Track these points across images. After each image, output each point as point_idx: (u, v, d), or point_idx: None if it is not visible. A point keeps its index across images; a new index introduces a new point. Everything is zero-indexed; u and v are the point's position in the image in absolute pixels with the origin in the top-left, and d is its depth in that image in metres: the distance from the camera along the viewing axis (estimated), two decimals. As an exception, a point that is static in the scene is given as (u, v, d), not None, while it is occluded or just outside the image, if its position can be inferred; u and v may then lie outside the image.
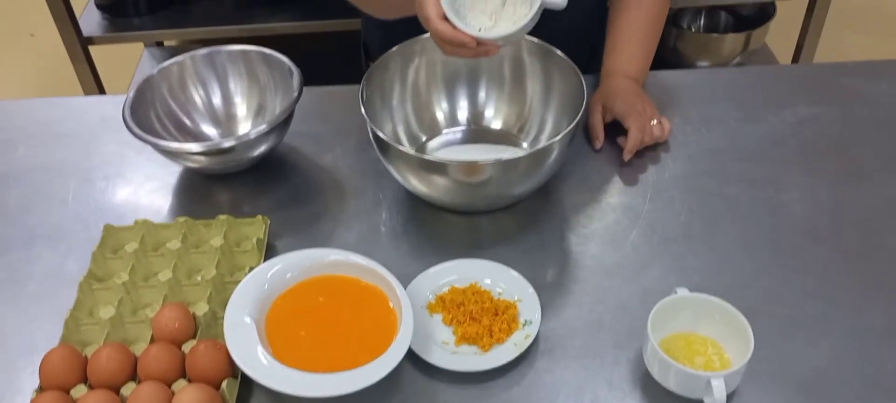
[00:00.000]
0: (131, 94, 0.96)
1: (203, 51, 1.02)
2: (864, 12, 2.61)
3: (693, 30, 2.09)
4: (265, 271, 0.78)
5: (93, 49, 1.86)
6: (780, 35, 2.04)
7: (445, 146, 1.02)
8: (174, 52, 2.26)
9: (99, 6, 1.91)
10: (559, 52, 0.95)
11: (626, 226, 0.92)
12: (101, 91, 1.93)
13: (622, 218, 0.93)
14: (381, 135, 0.86)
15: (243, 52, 1.03)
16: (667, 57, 1.94)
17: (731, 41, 1.93)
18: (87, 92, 1.92)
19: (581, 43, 1.14)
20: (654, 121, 0.99)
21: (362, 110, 0.89)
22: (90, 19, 1.88)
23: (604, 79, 1.05)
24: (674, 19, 2.01)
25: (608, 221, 0.92)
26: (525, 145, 1.01)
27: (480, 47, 0.79)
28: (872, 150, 1.01)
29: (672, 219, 0.93)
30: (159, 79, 0.99)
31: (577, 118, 0.86)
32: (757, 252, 0.88)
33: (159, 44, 2.27)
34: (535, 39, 0.97)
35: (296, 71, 0.98)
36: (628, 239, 0.90)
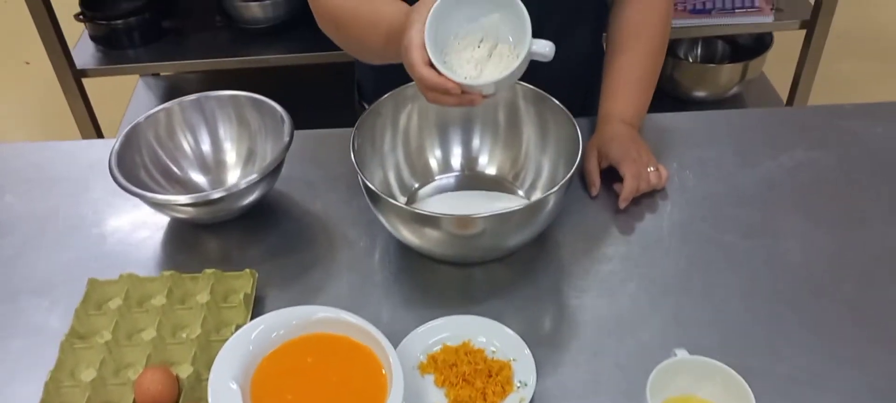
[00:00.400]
0: (118, 143, 0.94)
1: (191, 97, 1.00)
2: (862, 41, 2.60)
3: (690, 59, 2.08)
4: (249, 331, 0.75)
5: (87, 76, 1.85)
6: (777, 65, 2.03)
7: (438, 192, 1.01)
8: (169, 81, 2.25)
9: (93, 38, 1.89)
10: (555, 100, 0.93)
11: (622, 278, 0.90)
12: (95, 121, 1.92)
13: (619, 269, 0.91)
14: (372, 186, 0.84)
15: (233, 98, 1.01)
16: (664, 87, 1.93)
17: (729, 71, 1.92)
18: (80, 123, 1.90)
19: (576, 84, 1.12)
20: (651, 169, 0.97)
21: (353, 160, 0.87)
22: (84, 51, 1.87)
23: (600, 124, 1.03)
24: (671, 49, 2.00)
25: (604, 272, 0.91)
26: (520, 192, 0.99)
27: (464, 96, 0.77)
28: (871, 195, 1.00)
29: (669, 269, 0.91)
30: (146, 126, 0.98)
31: (573, 170, 0.84)
32: (755, 304, 0.86)
33: (155, 73, 2.26)
34: (529, 85, 0.95)
35: (287, 118, 0.96)
36: (625, 290, 0.88)
